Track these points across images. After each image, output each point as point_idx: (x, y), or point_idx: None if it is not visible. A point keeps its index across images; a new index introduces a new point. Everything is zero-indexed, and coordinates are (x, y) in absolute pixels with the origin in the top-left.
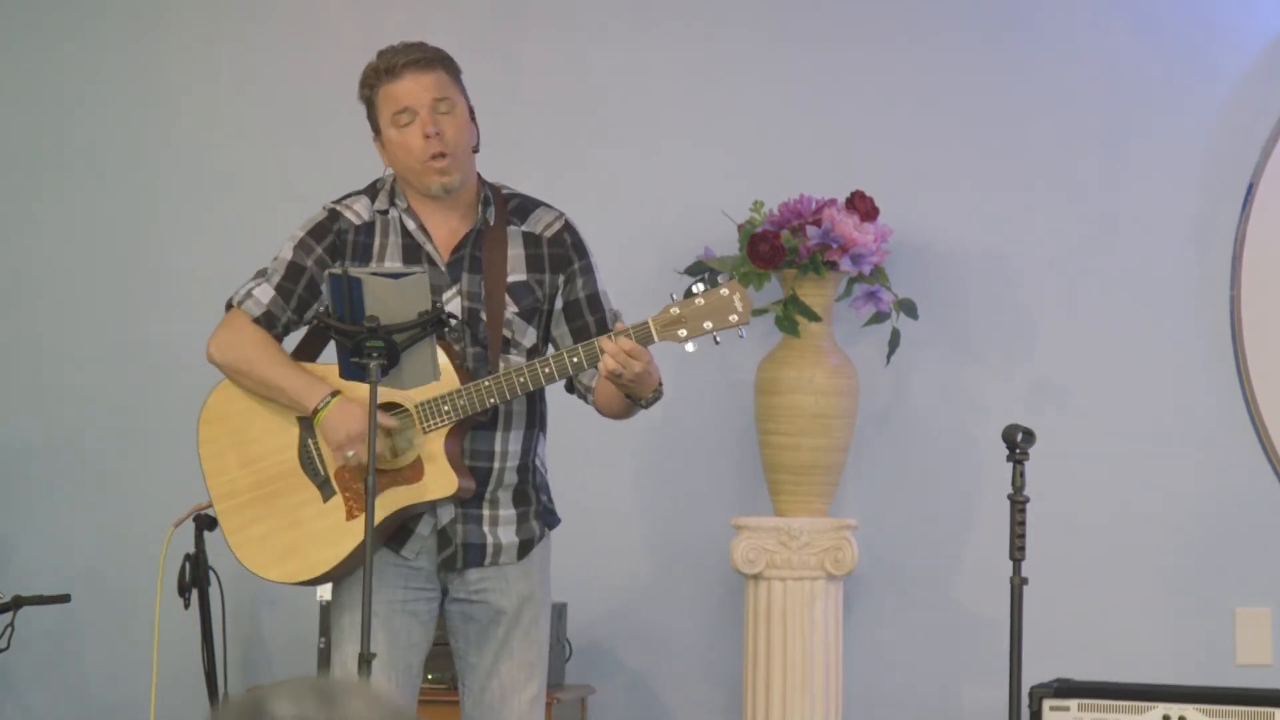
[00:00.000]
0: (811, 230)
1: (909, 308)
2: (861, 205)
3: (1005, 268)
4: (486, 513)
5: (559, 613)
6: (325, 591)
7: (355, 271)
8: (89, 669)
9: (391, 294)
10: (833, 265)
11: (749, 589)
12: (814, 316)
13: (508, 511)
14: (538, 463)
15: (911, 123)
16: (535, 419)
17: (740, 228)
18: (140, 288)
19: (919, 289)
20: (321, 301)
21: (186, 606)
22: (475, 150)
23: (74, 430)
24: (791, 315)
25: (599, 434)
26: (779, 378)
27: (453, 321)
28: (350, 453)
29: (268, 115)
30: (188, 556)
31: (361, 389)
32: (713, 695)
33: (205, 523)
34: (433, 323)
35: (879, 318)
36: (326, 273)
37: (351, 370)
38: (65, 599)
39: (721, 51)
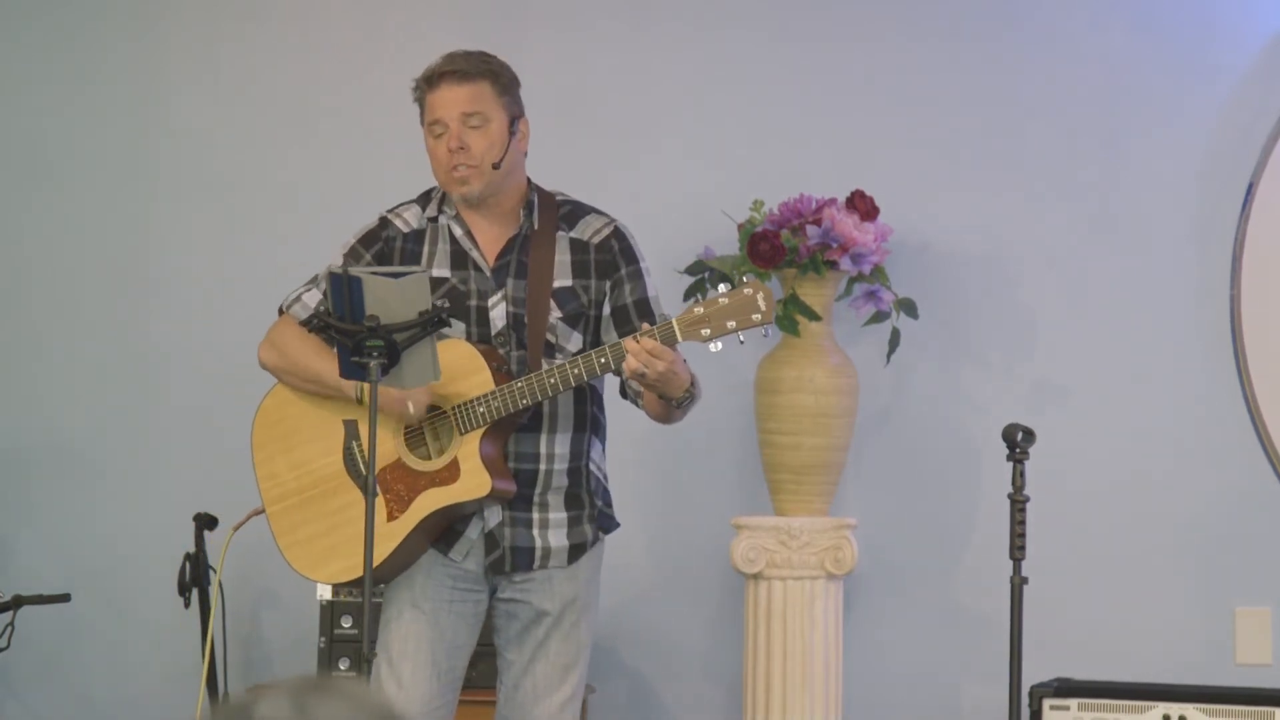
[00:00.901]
0: (811, 230)
1: (909, 307)
2: (861, 205)
3: (1005, 268)
4: (536, 516)
5: None
6: (325, 591)
7: (355, 271)
8: (89, 669)
9: (391, 294)
10: (833, 265)
11: (749, 589)
12: (814, 316)
13: (558, 515)
14: (592, 467)
15: (911, 123)
16: (586, 422)
17: (740, 227)
18: (139, 288)
19: (919, 289)
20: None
21: (187, 606)
22: (497, 165)
23: (74, 430)
24: (791, 315)
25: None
26: (779, 377)
27: (452, 321)
28: (411, 406)
29: (267, 115)
30: (188, 556)
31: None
32: (713, 695)
33: (205, 522)
34: (433, 322)
35: (879, 317)
36: (327, 271)
37: (351, 370)
38: (65, 599)
39: (721, 51)
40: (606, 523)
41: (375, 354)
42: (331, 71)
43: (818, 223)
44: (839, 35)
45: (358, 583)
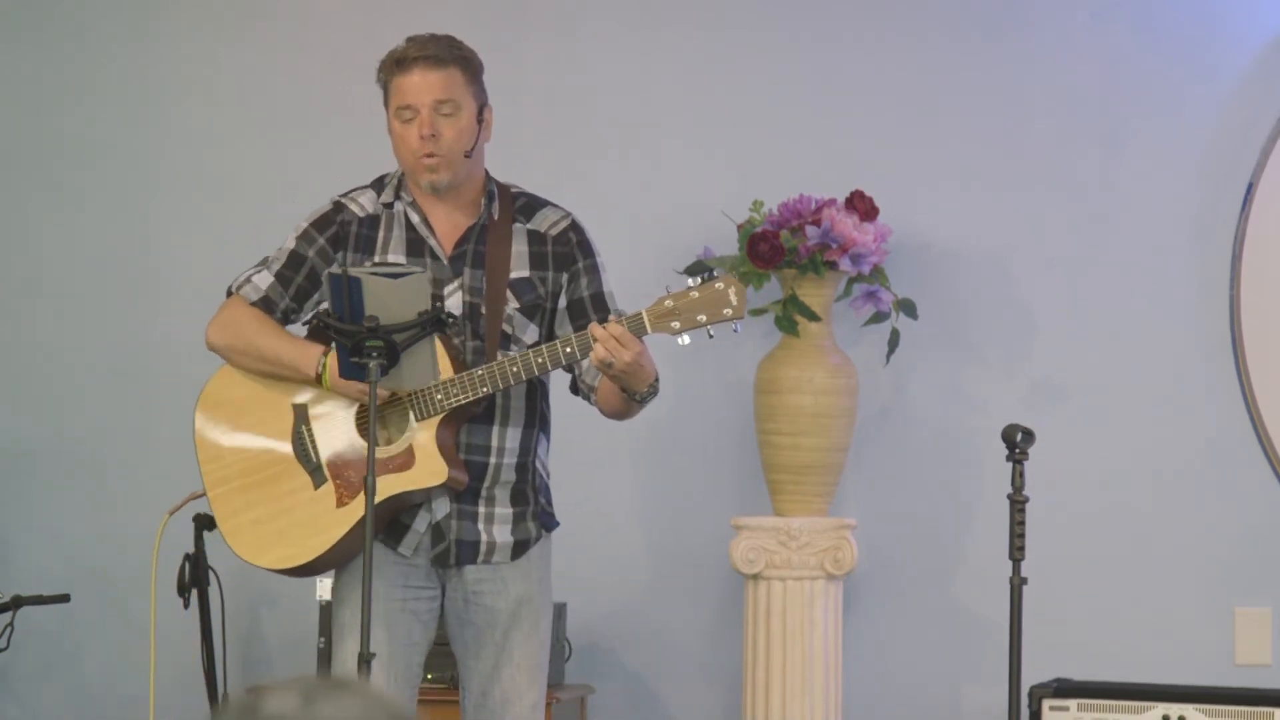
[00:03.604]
0: (811, 230)
1: (909, 308)
2: (861, 205)
3: (1005, 268)
4: (482, 510)
5: (559, 613)
6: (325, 591)
7: (355, 271)
8: (89, 669)
9: (391, 294)
10: (832, 265)
11: (749, 589)
12: (814, 316)
13: (504, 510)
14: (538, 464)
15: (911, 123)
16: (535, 419)
17: (740, 227)
18: (140, 288)
19: (919, 289)
20: (321, 298)
21: (186, 606)
22: (468, 154)
23: (74, 430)
24: (791, 315)
25: (599, 434)
26: (779, 377)
27: (452, 321)
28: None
29: (267, 115)
30: (187, 556)
31: None
32: (713, 695)
33: (205, 522)
34: (432, 322)
35: (879, 318)
36: (326, 272)
37: (351, 370)
38: (65, 599)
39: (721, 51)
40: (548, 521)
41: (375, 354)
42: (331, 72)
43: (817, 223)
44: (839, 35)
45: (301, 569)
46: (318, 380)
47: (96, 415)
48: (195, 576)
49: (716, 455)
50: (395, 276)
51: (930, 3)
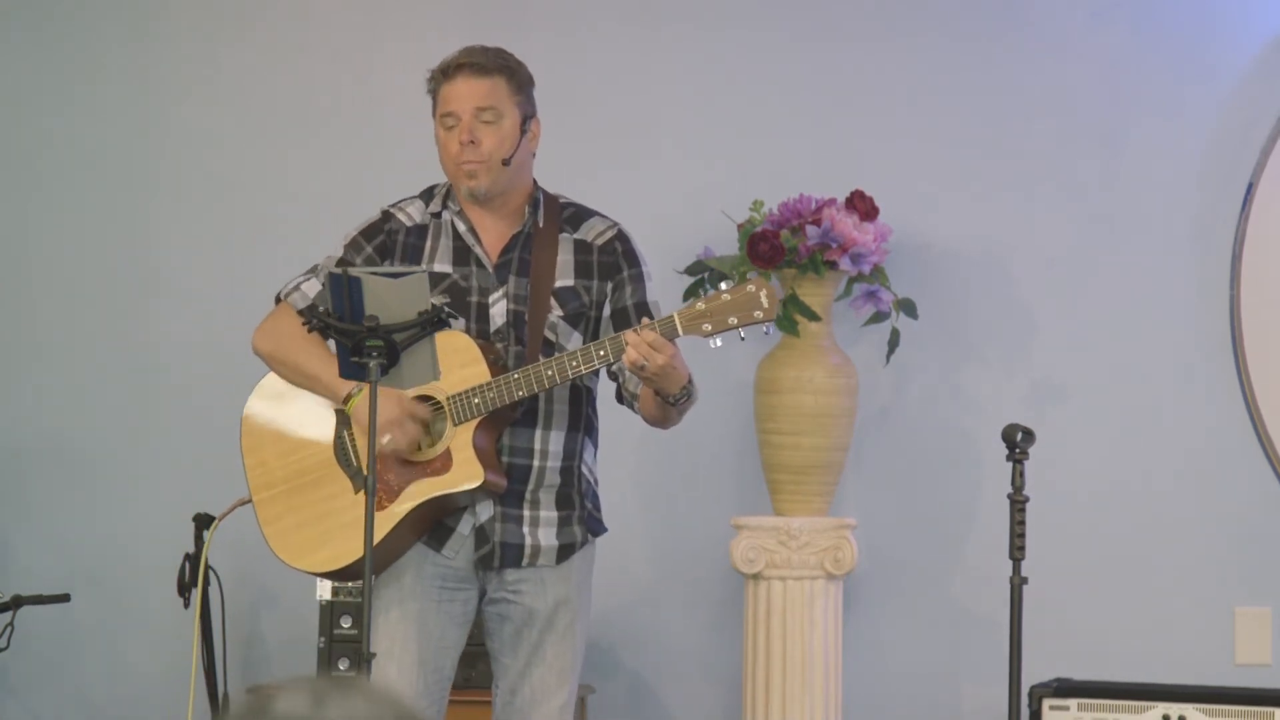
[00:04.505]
0: (811, 230)
1: (909, 307)
2: (861, 205)
3: (1005, 268)
4: (527, 513)
5: None
6: (325, 591)
7: (355, 271)
8: (89, 669)
9: (391, 294)
10: (832, 265)
11: (749, 589)
12: (814, 316)
13: (549, 513)
14: (584, 469)
15: (911, 123)
16: (580, 422)
17: (740, 227)
18: (139, 288)
19: (919, 289)
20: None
21: (186, 606)
22: (506, 162)
23: (74, 430)
24: (791, 315)
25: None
26: (779, 377)
27: (452, 321)
28: (386, 438)
29: (267, 115)
30: (187, 556)
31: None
32: (713, 695)
33: (204, 522)
34: (432, 322)
35: (879, 317)
36: (326, 272)
37: (351, 370)
38: (65, 599)
39: (721, 51)
40: (595, 526)
41: (375, 354)
42: (331, 72)
43: (817, 223)
44: (839, 35)
45: (342, 572)
46: (342, 411)
47: (97, 415)
48: (195, 576)
49: (716, 455)
50: (395, 276)
51: (930, 3)
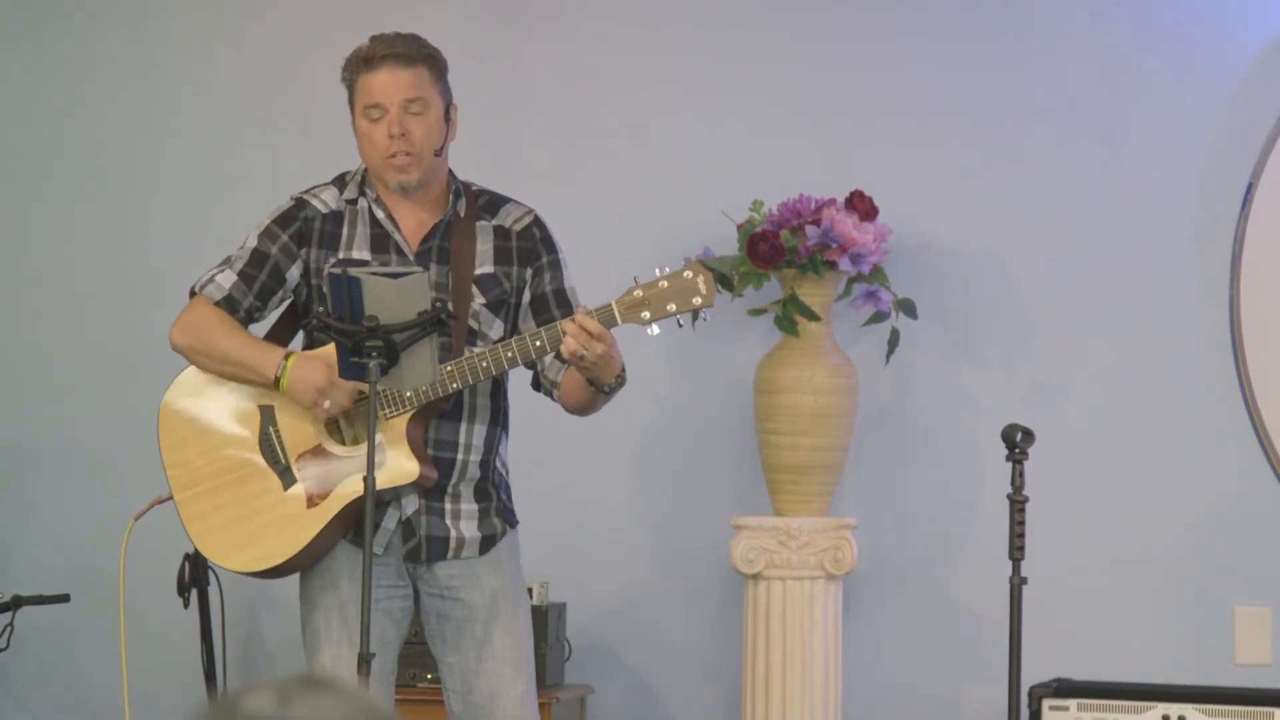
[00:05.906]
0: (811, 230)
1: (909, 307)
2: (861, 205)
3: (1005, 268)
4: (449, 506)
5: (559, 612)
6: None
7: (355, 272)
8: (89, 669)
9: (391, 294)
10: (832, 265)
11: (748, 589)
12: (813, 316)
13: (469, 506)
14: (498, 462)
15: (911, 123)
16: (499, 416)
17: (740, 227)
18: (139, 287)
19: (919, 289)
20: (284, 296)
21: (186, 606)
22: (438, 153)
23: (74, 430)
24: (791, 315)
25: (598, 433)
26: (778, 377)
27: (453, 321)
28: (326, 403)
29: (267, 115)
30: (187, 556)
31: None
32: (712, 695)
33: None
34: (432, 322)
35: (878, 317)
36: (326, 272)
37: (351, 370)
38: (65, 599)
39: (721, 51)
40: (510, 517)
41: (375, 354)
42: (331, 71)
43: (817, 223)
44: (839, 35)
45: (272, 572)
46: (275, 384)
47: (96, 415)
48: (195, 577)
49: (716, 455)
50: (395, 276)
51: (930, 3)
